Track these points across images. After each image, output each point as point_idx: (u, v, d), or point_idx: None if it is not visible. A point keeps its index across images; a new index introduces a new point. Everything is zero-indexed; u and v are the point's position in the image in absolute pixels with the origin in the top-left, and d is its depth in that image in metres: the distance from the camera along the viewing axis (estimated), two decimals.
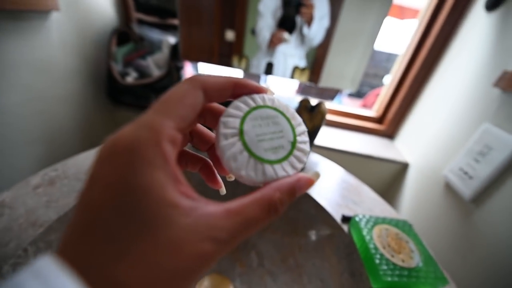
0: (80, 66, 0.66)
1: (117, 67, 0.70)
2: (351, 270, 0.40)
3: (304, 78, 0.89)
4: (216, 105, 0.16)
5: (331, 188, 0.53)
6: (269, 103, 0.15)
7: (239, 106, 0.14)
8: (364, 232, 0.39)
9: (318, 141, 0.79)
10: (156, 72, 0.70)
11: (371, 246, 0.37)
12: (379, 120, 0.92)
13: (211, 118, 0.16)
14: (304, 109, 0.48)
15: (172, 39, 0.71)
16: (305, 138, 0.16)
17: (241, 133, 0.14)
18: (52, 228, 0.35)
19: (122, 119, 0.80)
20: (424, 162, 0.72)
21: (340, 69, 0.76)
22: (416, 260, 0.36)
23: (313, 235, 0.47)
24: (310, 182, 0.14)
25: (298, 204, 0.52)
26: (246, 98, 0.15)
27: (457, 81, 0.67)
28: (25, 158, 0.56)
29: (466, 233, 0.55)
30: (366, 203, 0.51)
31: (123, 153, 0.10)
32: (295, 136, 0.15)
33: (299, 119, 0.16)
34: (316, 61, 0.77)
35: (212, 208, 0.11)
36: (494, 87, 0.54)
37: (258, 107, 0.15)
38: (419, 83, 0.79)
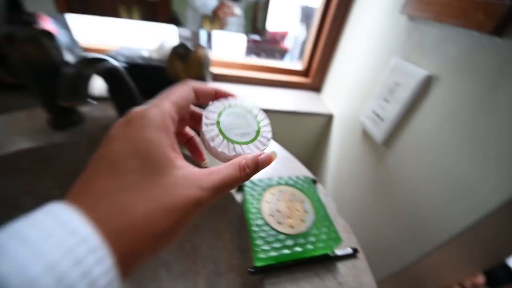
0: None
1: None
2: (240, 247, 0.33)
3: (216, 27, 0.77)
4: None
5: None
6: (239, 104, 0.20)
7: (217, 105, 0.19)
8: (251, 199, 0.31)
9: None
10: None
11: (255, 216, 0.29)
12: (305, 73, 0.85)
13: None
14: (175, 57, 0.37)
15: None
16: (268, 128, 0.20)
17: (218, 123, 0.18)
18: None
19: None
20: (345, 111, 0.68)
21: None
22: (307, 223, 0.30)
23: (207, 212, 0.40)
24: (270, 158, 0.18)
25: None
26: (223, 100, 0.20)
27: (370, 18, 0.60)
28: None
29: (380, 177, 0.52)
30: (272, 164, 0.44)
31: (138, 119, 0.14)
32: (259, 127, 0.19)
33: (262, 116, 0.20)
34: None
35: (197, 169, 0.15)
36: (401, 15, 0.48)
37: (231, 106, 0.19)
38: (336, 29, 0.72)
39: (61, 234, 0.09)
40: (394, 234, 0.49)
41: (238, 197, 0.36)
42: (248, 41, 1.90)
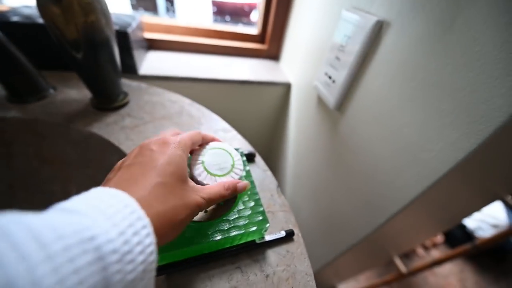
0: None
1: None
2: None
3: None
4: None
5: (166, 126, 0.37)
6: (220, 146, 0.26)
7: (205, 147, 0.25)
8: None
9: (171, 69, 0.59)
10: None
11: None
12: (261, 39, 0.76)
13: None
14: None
15: None
16: (240, 162, 0.26)
17: (202, 162, 0.24)
18: None
19: None
20: (302, 78, 0.61)
21: None
22: (227, 206, 0.24)
23: None
24: (245, 185, 0.24)
25: (103, 160, 0.35)
26: (211, 143, 0.26)
27: None
28: None
29: (335, 147, 0.47)
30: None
31: (172, 142, 0.20)
32: (233, 163, 0.25)
33: (237, 155, 0.26)
34: None
35: (197, 184, 0.21)
36: None
37: (214, 148, 0.26)
38: None
39: (126, 211, 0.13)
40: (351, 205, 0.45)
41: None
42: (214, 6, 1.73)
